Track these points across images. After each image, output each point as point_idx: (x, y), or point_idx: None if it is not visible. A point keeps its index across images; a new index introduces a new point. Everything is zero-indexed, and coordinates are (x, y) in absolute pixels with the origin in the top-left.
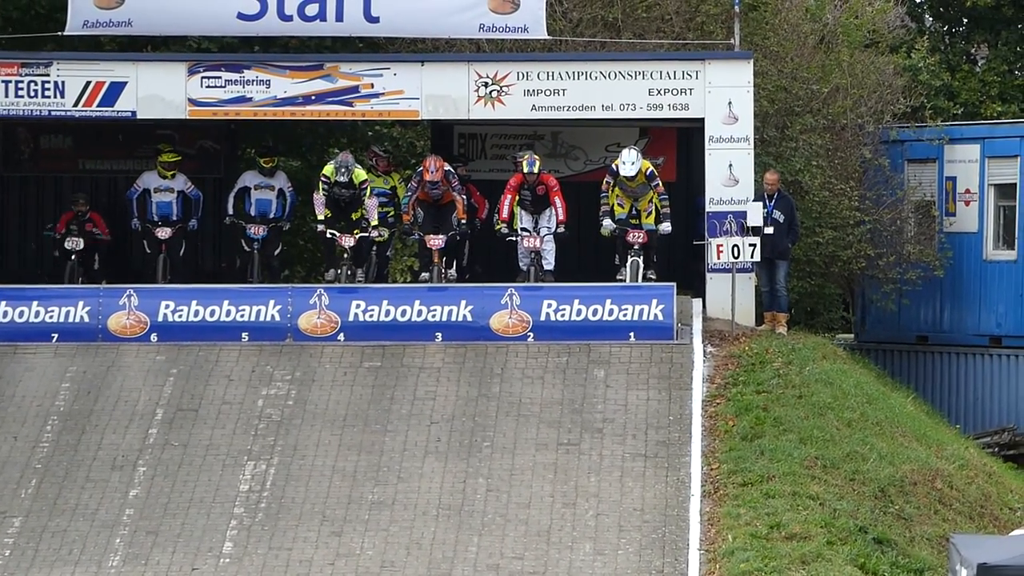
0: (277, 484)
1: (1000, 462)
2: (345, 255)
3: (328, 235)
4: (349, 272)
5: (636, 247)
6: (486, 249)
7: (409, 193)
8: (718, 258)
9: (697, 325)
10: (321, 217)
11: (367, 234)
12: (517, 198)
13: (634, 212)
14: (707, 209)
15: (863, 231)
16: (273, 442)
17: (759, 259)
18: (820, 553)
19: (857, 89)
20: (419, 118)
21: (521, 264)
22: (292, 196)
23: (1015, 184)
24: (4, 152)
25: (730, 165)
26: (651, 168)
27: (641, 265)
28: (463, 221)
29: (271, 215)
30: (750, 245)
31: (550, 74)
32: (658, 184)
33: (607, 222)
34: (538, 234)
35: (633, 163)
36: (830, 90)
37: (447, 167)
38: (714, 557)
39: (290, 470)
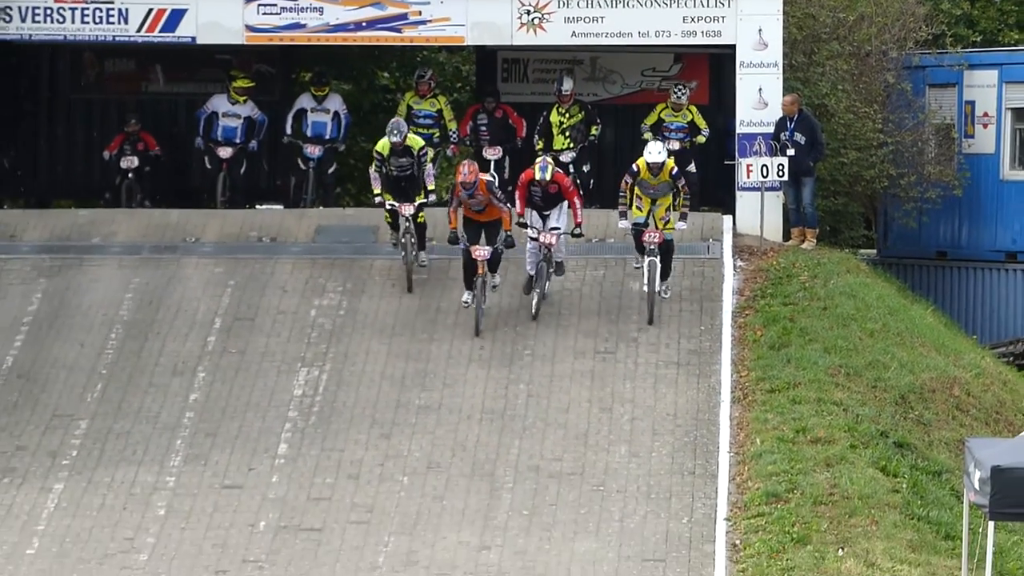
0: (329, 389)
1: (1015, 370)
2: (407, 223)
3: (388, 206)
4: (404, 242)
5: (652, 247)
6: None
7: (450, 197)
8: (747, 177)
9: (728, 241)
10: (377, 190)
11: (425, 199)
12: (527, 193)
13: (650, 217)
14: (737, 131)
15: (886, 152)
16: (325, 350)
17: (786, 178)
18: (843, 456)
19: (881, 17)
20: (464, 44)
21: (528, 267)
22: (347, 118)
23: None
24: (71, 76)
25: (760, 89)
26: (675, 168)
27: (658, 265)
28: (509, 233)
29: (326, 136)
30: (778, 165)
31: (589, 2)
32: (684, 184)
33: (623, 223)
34: (549, 232)
35: (660, 152)
36: (855, 18)
37: (487, 178)
38: (743, 459)
39: (341, 376)
